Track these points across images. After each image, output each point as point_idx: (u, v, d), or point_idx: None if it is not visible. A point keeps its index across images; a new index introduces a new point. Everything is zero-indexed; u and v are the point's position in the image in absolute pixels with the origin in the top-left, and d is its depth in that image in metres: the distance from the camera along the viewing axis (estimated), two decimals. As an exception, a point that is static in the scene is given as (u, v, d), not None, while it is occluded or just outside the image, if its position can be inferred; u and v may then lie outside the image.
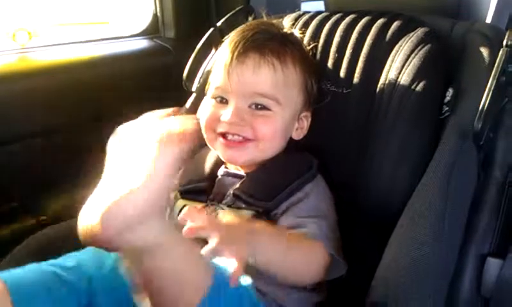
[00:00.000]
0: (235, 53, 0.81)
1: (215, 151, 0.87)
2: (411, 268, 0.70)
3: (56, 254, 0.82)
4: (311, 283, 0.74)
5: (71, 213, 0.92)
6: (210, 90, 0.86)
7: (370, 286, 0.71)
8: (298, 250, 0.71)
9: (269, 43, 0.82)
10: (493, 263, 0.76)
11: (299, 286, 0.75)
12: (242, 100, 0.81)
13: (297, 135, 0.87)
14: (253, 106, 0.81)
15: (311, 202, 0.78)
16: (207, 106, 0.85)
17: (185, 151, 0.51)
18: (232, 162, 0.84)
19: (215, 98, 0.84)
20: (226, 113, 0.80)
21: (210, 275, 0.57)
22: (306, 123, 0.88)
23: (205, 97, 0.89)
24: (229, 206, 0.79)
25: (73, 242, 0.79)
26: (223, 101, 0.83)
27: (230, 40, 0.85)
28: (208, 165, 0.87)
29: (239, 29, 0.89)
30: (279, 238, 0.70)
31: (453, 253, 0.75)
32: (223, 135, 0.81)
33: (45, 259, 0.80)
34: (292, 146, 0.86)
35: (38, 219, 1.20)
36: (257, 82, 0.80)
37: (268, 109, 0.81)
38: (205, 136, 0.85)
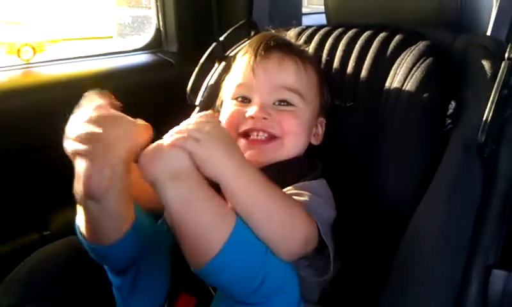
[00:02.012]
0: (259, 51, 0.82)
1: None
2: (417, 282, 0.70)
3: (59, 269, 0.82)
4: (290, 256, 0.64)
5: (74, 228, 0.92)
6: (230, 90, 0.85)
7: (378, 300, 0.71)
8: (285, 205, 0.64)
9: (289, 45, 0.85)
10: (498, 275, 0.75)
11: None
12: (267, 96, 0.81)
13: (316, 140, 0.88)
14: (277, 103, 0.81)
15: (310, 186, 0.75)
16: (228, 106, 0.84)
17: None
18: (251, 162, 0.82)
19: (236, 98, 0.84)
20: (251, 109, 0.80)
21: (232, 224, 0.58)
22: (321, 130, 0.88)
23: (225, 101, 0.88)
24: None
25: (76, 257, 0.80)
26: (245, 100, 0.83)
27: (249, 44, 0.87)
28: None
29: (256, 36, 0.91)
30: (262, 180, 0.63)
31: (459, 266, 0.74)
32: (246, 135, 0.80)
33: (48, 274, 0.81)
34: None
35: (41, 234, 1.20)
36: (282, 76, 0.81)
37: (292, 105, 0.81)
38: None
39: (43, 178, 1.20)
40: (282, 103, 0.81)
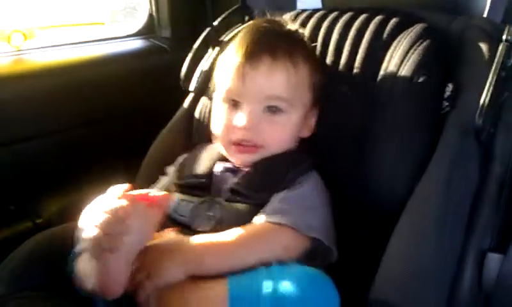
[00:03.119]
0: (247, 56, 0.81)
1: (215, 147, 0.89)
2: (413, 267, 0.70)
3: (52, 257, 0.81)
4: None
5: (67, 216, 0.91)
6: (220, 93, 0.86)
7: (372, 285, 0.71)
8: (251, 244, 0.71)
9: (279, 43, 0.83)
10: (493, 258, 0.75)
11: None
12: (256, 104, 0.81)
13: (306, 132, 0.88)
14: (266, 109, 0.82)
15: (301, 191, 0.78)
16: (220, 112, 0.86)
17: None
18: (242, 164, 0.85)
19: (227, 102, 0.84)
20: (241, 118, 0.81)
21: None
22: (313, 120, 0.88)
23: (214, 100, 0.89)
24: (226, 200, 0.79)
25: (69, 246, 0.79)
26: (236, 104, 0.83)
27: (239, 42, 0.85)
28: (207, 161, 0.87)
29: (245, 29, 0.89)
30: (218, 243, 0.70)
31: (455, 250, 0.74)
32: (237, 143, 0.83)
33: (41, 262, 0.80)
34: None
35: (35, 222, 1.19)
36: (271, 86, 0.81)
37: (281, 111, 0.82)
38: (220, 143, 0.87)
39: (36, 166, 1.20)
40: (272, 109, 0.82)
